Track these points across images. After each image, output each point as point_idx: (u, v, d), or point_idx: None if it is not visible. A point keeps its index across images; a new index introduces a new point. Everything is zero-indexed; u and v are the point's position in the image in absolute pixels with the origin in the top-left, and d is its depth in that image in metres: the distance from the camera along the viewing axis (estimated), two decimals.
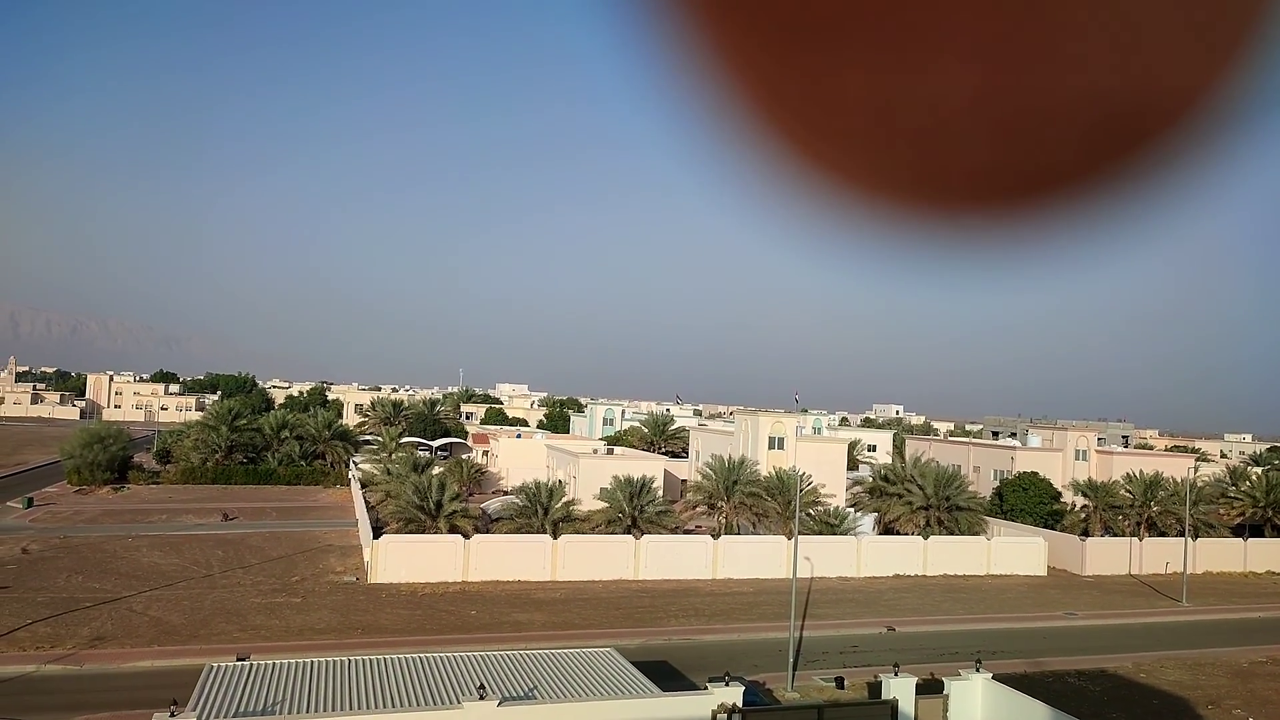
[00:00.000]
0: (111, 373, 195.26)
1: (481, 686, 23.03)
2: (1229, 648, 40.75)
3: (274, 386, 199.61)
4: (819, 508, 57.54)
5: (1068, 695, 31.76)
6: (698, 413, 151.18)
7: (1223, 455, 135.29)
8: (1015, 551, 57.71)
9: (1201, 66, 0.97)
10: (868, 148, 1.08)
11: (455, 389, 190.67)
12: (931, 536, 57.00)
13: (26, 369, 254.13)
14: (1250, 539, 64.60)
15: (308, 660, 25.61)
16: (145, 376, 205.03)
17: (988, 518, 62.60)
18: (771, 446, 67.22)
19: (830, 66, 1.01)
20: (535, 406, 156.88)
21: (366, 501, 61.90)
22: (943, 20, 0.96)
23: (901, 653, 34.82)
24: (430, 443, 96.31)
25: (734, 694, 24.32)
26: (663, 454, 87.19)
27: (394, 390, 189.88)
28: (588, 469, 65.49)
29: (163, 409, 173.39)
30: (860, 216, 1.14)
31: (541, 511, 51.52)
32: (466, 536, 48.47)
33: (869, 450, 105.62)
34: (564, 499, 53.42)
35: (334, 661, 25.47)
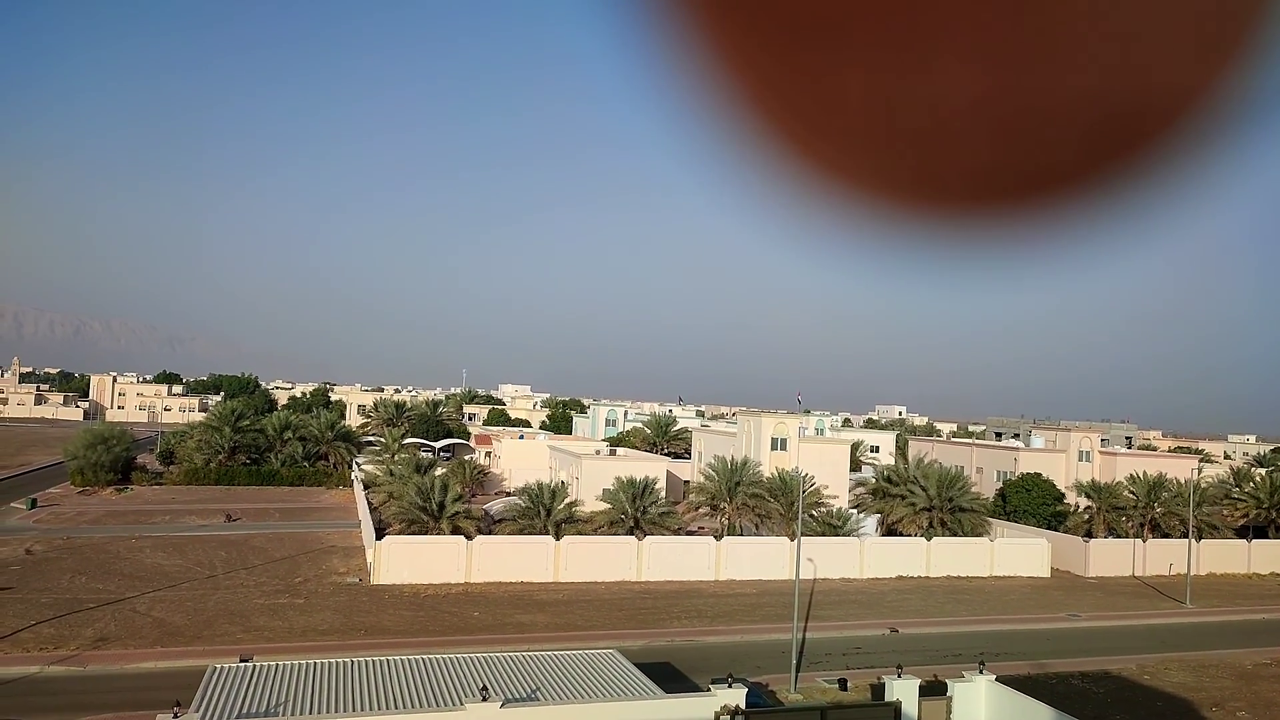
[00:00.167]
0: (115, 374, 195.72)
1: (484, 688, 23.04)
2: (1233, 649, 40.66)
3: (277, 387, 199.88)
4: (822, 509, 57.51)
5: (1071, 697, 31.71)
6: (700, 414, 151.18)
7: (1226, 456, 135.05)
8: (1018, 553, 57.64)
9: (1201, 66, 0.97)
10: (868, 148, 1.08)
11: (458, 390, 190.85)
12: (934, 538, 56.94)
13: (30, 370, 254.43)
14: (1254, 540, 64.48)
15: (311, 661, 25.63)
16: (148, 377, 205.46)
17: (991, 519, 62.54)
18: (774, 447, 67.22)
19: (831, 66, 1.01)
20: (538, 407, 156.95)
21: (369, 502, 61.93)
22: (943, 20, 0.95)
23: (905, 654, 34.79)
24: (433, 444, 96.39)
25: (737, 695, 24.30)
26: (665, 455, 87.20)
27: (397, 391, 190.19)
28: (590, 470, 65.49)
29: (166, 410, 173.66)
30: (861, 216, 1.14)
31: (544, 513, 51.53)
32: (469, 538, 48.49)
33: (872, 451, 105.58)
34: (566, 500, 53.42)
35: (337, 663, 25.49)
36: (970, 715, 26.95)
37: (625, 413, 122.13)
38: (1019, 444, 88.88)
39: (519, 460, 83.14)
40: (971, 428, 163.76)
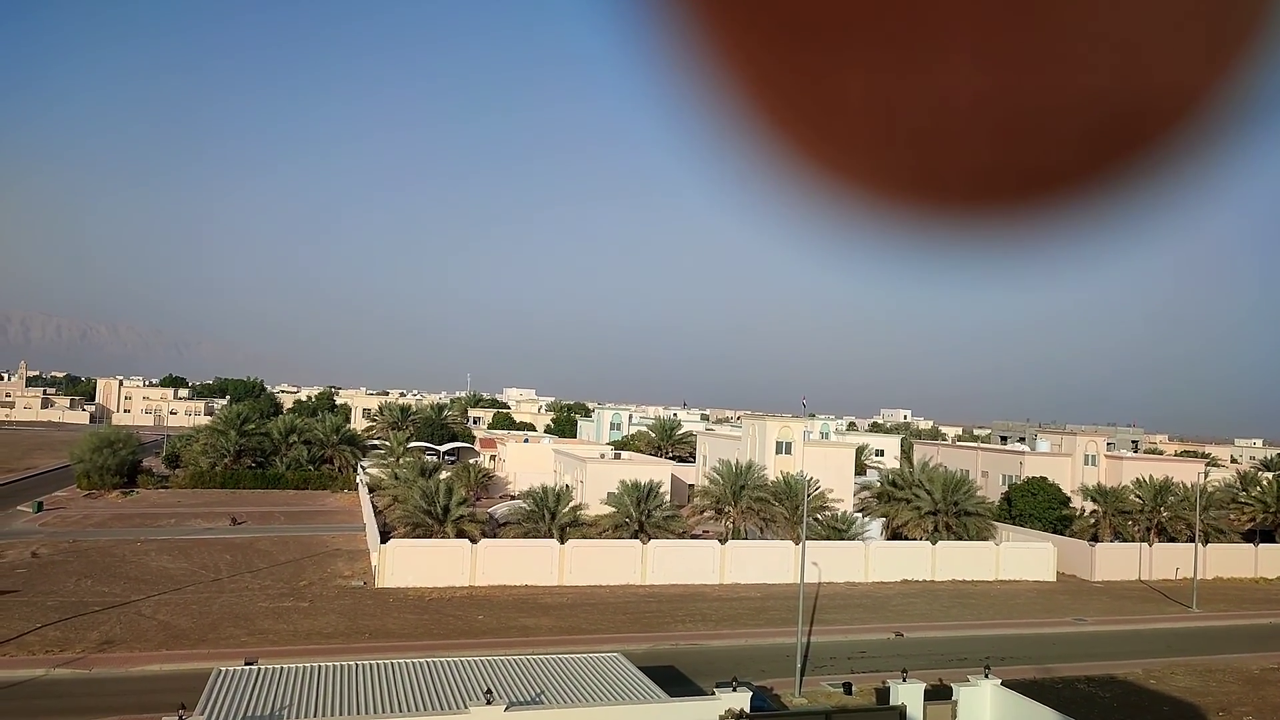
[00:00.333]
0: (121, 377, 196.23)
1: (489, 691, 23.04)
2: (1240, 654, 40.50)
3: (282, 391, 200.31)
4: (826, 513, 57.41)
5: (1077, 701, 31.61)
6: (705, 417, 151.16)
7: (1233, 460, 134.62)
8: (1024, 557, 57.48)
9: (1203, 67, 0.97)
10: (869, 148, 1.08)
11: (463, 394, 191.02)
12: (940, 542, 56.81)
13: (37, 374, 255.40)
14: (1261, 544, 64.25)
15: (315, 664, 25.66)
16: (154, 381, 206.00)
17: (996, 523, 62.39)
18: (779, 451, 67.18)
19: (832, 66, 1.00)
20: (542, 411, 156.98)
21: (374, 506, 61.99)
22: (945, 20, 0.95)
23: (910, 658, 34.69)
24: (438, 447, 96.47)
25: (741, 699, 24.28)
26: (670, 459, 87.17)
27: (401, 395, 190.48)
28: (595, 473, 65.50)
29: (172, 413, 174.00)
30: (863, 217, 1.14)
31: (549, 516, 51.52)
32: (474, 541, 48.49)
33: (877, 455, 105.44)
34: (571, 503, 53.40)
35: (341, 666, 25.51)
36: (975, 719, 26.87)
37: (630, 416, 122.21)
38: (1024, 448, 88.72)
39: (524, 464, 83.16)
40: (977, 431, 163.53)
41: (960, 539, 58.08)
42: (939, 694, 27.97)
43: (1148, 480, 66.85)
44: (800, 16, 0.97)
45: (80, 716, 27.00)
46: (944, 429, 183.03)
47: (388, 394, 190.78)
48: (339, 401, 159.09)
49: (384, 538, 49.10)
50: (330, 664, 25.72)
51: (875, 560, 54.24)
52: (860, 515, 60.86)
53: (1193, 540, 56.82)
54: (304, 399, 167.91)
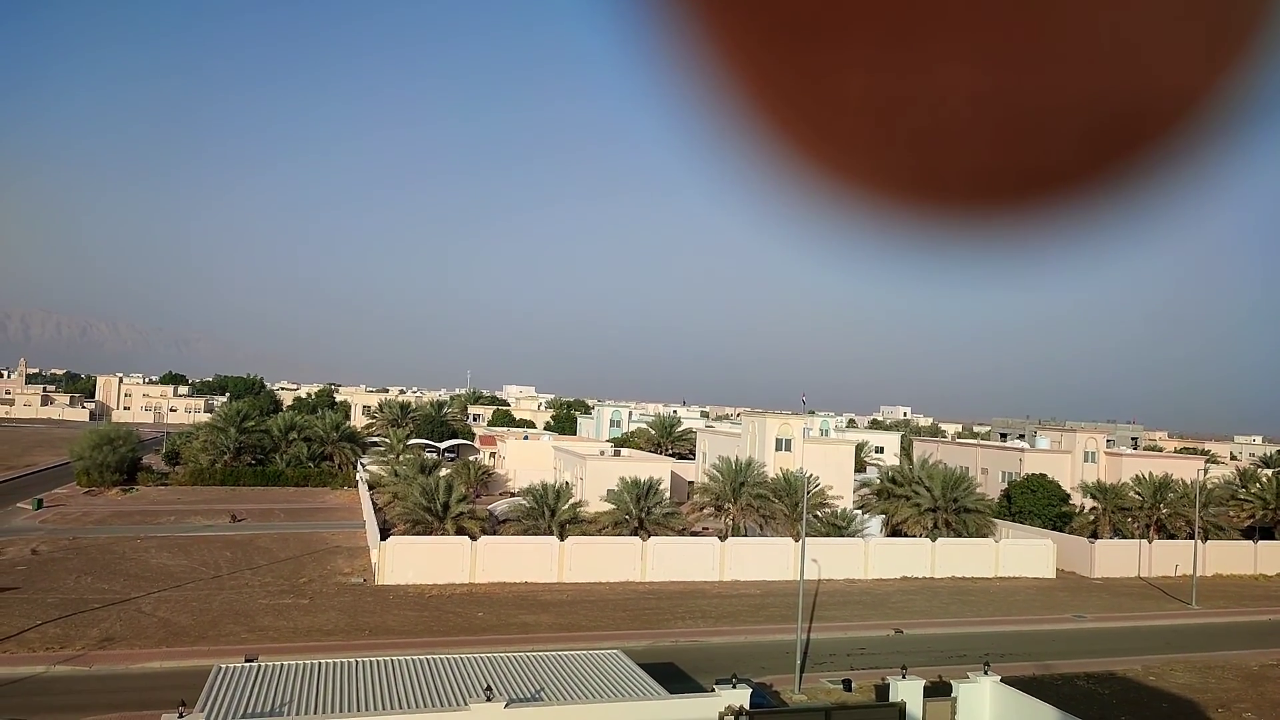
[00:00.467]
0: (121, 374, 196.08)
1: (488, 688, 23.05)
2: (1239, 650, 40.54)
3: (282, 388, 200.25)
4: (826, 510, 57.45)
5: (1076, 698, 31.64)
6: (704, 414, 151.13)
7: (1232, 457, 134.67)
8: (1023, 554, 57.52)
9: (1203, 67, 0.97)
10: (870, 147, 1.08)
11: (462, 391, 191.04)
12: (939, 538, 56.84)
13: (36, 371, 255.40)
14: (1260, 541, 64.29)
15: (315, 661, 25.67)
16: (154, 378, 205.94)
17: (996, 520, 62.42)
18: (779, 448, 67.18)
19: (832, 66, 1.01)
20: (542, 408, 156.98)
21: (374, 503, 62.03)
22: (945, 20, 0.96)
23: (909, 655, 34.71)
24: (437, 444, 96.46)
25: (741, 696, 24.28)
26: (670, 455, 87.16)
27: (401, 392, 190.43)
28: (595, 470, 65.52)
29: (171, 410, 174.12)
30: (863, 216, 1.14)
31: (548, 513, 51.55)
32: (474, 538, 48.52)
33: (876, 452, 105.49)
34: (571, 500, 53.43)
35: (341, 663, 25.52)
36: (975, 716, 26.90)
37: (630, 413, 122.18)
38: (1024, 445, 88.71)
39: (523, 461, 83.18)
40: (976, 428, 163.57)
41: (960, 536, 58.11)
42: (938, 690, 27.98)
43: (1147, 477, 66.89)
44: (800, 16, 0.97)
45: (80, 713, 27.03)
46: (944, 426, 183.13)
47: (387, 391, 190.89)
48: (339, 398, 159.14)
49: (384, 535, 49.13)
50: (330, 661, 25.73)
51: (875, 557, 54.28)
52: (860, 512, 60.88)
53: (1192, 537, 56.85)
54: (304, 396, 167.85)
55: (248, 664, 24.94)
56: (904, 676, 26.92)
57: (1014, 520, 64.47)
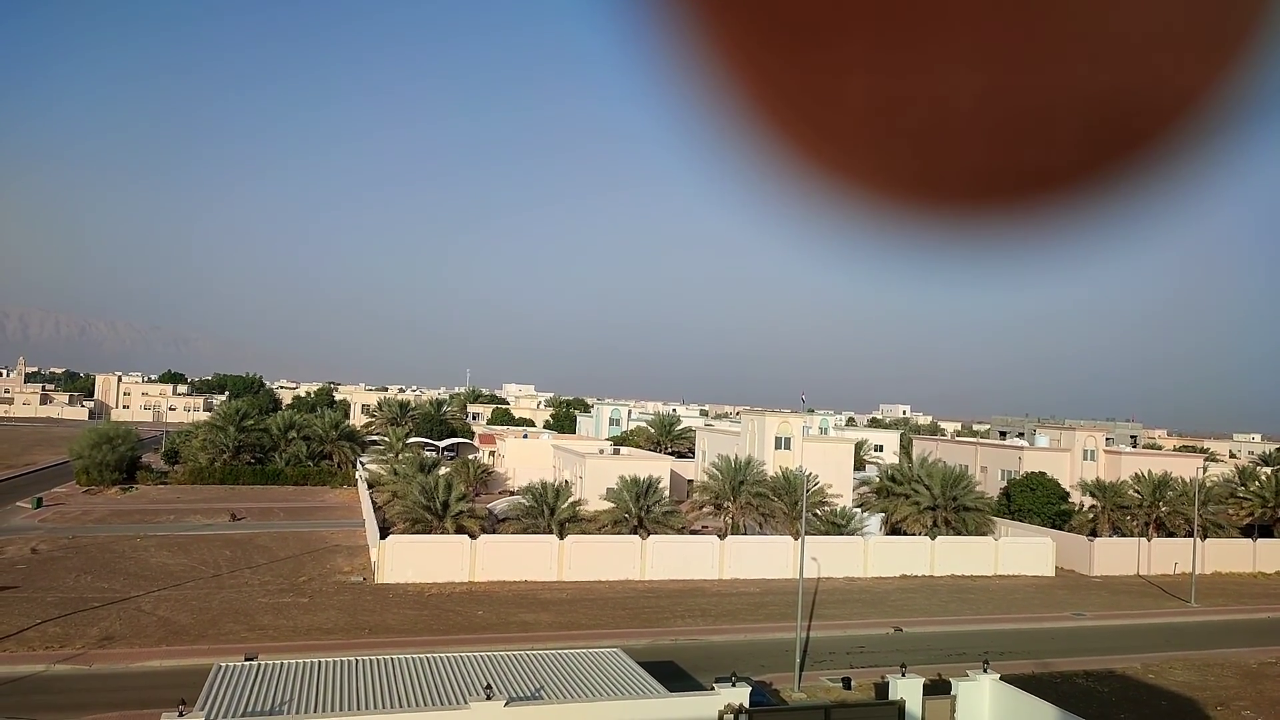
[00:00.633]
0: (120, 373, 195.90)
1: (488, 686, 23.07)
2: (1238, 648, 40.58)
3: (281, 387, 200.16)
4: (826, 508, 57.47)
5: (1075, 696, 31.66)
6: (704, 413, 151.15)
7: (1231, 455, 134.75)
8: (1023, 552, 57.56)
9: (1202, 66, 0.97)
10: (870, 147, 1.08)
11: (462, 389, 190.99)
12: (938, 537, 56.88)
13: (35, 370, 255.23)
14: (1259, 539, 64.35)
15: (315, 660, 25.68)
16: (153, 377, 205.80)
17: (995, 518, 62.45)
18: (778, 446, 67.18)
19: (832, 65, 1.01)
20: (542, 407, 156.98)
21: (373, 502, 62.02)
22: (944, 20, 0.96)
23: (908, 653, 34.74)
24: (437, 443, 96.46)
25: (740, 694, 24.30)
26: (669, 454, 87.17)
27: (401, 391, 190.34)
28: (594, 469, 65.50)
29: (171, 409, 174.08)
30: (863, 216, 1.14)
31: (548, 512, 51.55)
32: (473, 537, 48.53)
33: (876, 450, 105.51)
34: (570, 499, 53.43)
35: (341, 661, 25.53)
36: (974, 714, 26.93)
37: (629, 412, 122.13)
38: (1023, 443, 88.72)
39: (523, 459, 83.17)
40: (976, 427, 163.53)
41: (959, 534, 58.14)
42: (938, 689, 28.01)
43: (1146, 475, 66.92)
44: (800, 16, 0.98)
45: (80, 713, 27.02)
46: (943, 424, 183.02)
47: (387, 390, 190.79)
48: (338, 397, 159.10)
49: (383, 533, 49.13)
50: (330, 659, 25.74)
51: (874, 555, 54.30)
52: (859, 510, 60.92)
53: (1191, 535, 56.91)
54: (303, 395, 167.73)
55: (247, 663, 24.95)
56: (903, 675, 26.95)
57: (1013, 518, 64.51)
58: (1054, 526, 63.22)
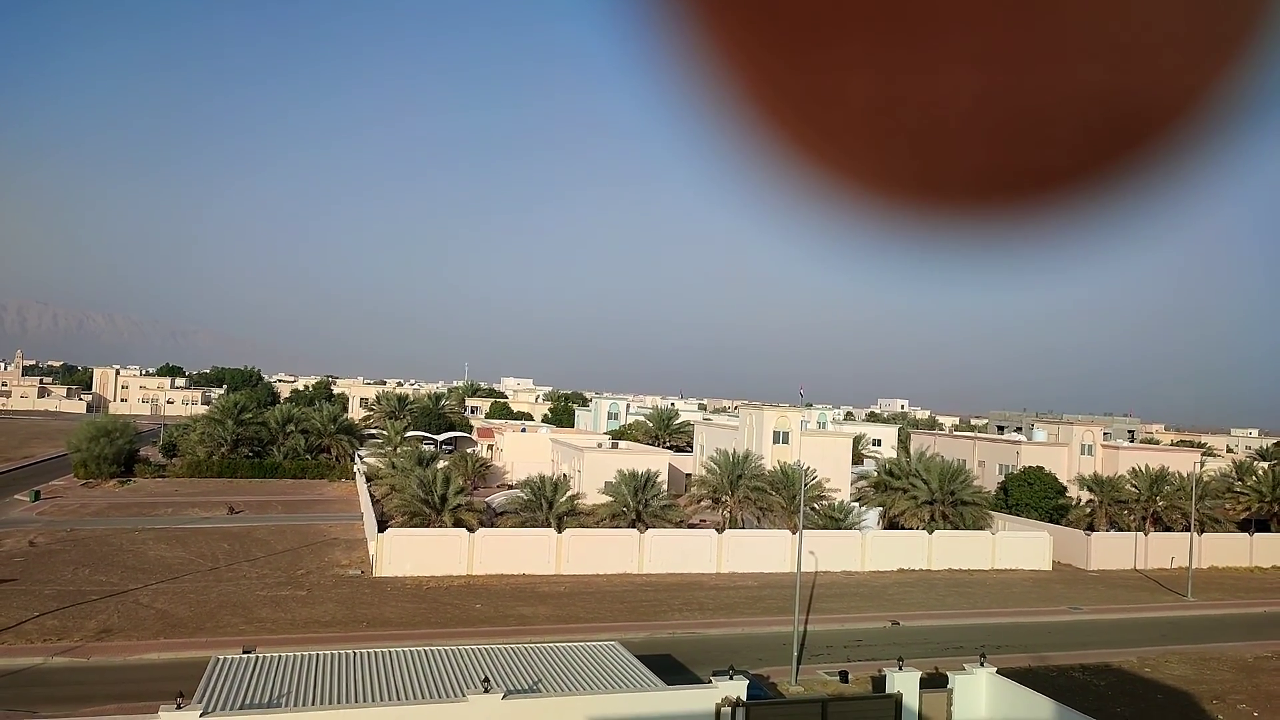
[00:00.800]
0: (118, 366, 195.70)
1: (486, 679, 23.11)
2: (1234, 642, 40.69)
3: (279, 380, 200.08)
4: (823, 502, 57.54)
5: (1072, 690, 31.76)
6: (702, 407, 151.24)
7: (1229, 450, 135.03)
8: (1020, 546, 57.66)
9: (1202, 65, 0.97)
10: (870, 146, 1.08)
11: (460, 383, 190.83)
12: (936, 531, 56.97)
13: (33, 363, 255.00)
14: (1256, 534, 64.46)
15: (313, 652, 25.71)
16: (151, 370, 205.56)
17: (992, 512, 62.54)
18: (776, 441, 67.27)
19: (833, 65, 1.01)
20: (540, 401, 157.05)
21: (371, 495, 62.02)
22: (945, 20, 0.96)
23: (906, 647, 34.85)
24: (435, 437, 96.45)
25: (738, 688, 24.35)
26: (667, 448, 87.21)
27: (399, 384, 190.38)
28: (592, 463, 65.54)
29: (169, 403, 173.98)
30: (863, 214, 1.15)
31: (546, 505, 51.59)
32: (471, 530, 48.57)
33: (874, 445, 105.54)
34: (568, 493, 53.48)
35: (339, 654, 25.56)
36: (971, 707, 27.01)
37: (627, 406, 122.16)
38: (1021, 438, 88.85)
39: (521, 453, 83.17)
40: (974, 421, 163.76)
41: (957, 528, 58.24)
42: (935, 682, 28.08)
43: (1144, 470, 67.04)
44: (801, 15, 0.98)
45: (78, 705, 27.04)
46: (941, 419, 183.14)
47: (385, 383, 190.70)
48: (336, 391, 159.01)
49: (381, 527, 49.16)
50: (328, 652, 25.77)
51: (872, 549, 54.39)
52: (857, 505, 61.01)
53: (1188, 529, 57.02)
54: (301, 388, 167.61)
55: (245, 655, 24.97)
56: (900, 668, 27.00)
57: (1011, 513, 64.60)
58: (1051, 521, 63.32)
